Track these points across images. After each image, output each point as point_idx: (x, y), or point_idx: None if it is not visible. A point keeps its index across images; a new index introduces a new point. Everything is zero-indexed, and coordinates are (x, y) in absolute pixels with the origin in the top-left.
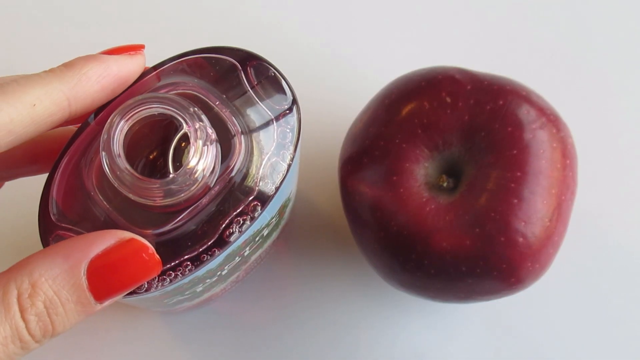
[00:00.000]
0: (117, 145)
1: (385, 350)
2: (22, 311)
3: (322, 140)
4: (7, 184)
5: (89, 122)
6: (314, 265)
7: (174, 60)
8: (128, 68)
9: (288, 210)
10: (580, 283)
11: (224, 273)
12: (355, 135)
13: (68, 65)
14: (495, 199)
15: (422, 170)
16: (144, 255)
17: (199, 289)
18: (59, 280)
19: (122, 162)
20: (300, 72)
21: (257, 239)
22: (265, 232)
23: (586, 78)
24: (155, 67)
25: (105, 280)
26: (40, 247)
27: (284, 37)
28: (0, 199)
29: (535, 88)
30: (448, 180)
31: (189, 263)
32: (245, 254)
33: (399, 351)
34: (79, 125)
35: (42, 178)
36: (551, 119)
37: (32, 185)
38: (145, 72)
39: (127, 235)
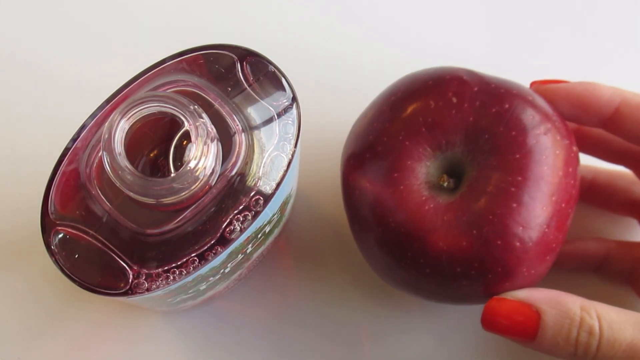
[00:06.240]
0: (118, 144)
1: (385, 350)
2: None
3: (322, 140)
4: (7, 184)
5: (86, 124)
6: (314, 265)
7: (173, 59)
8: None
9: (289, 207)
10: (581, 283)
11: (226, 271)
12: (360, 131)
13: None
14: (494, 201)
15: (423, 169)
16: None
17: (202, 287)
18: None
19: (123, 161)
20: (302, 73)
21: (259, 235)
22: (267, 229)
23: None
24: (154, 66)
25: None
26: (40, 243)
27: (284, 37)
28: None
29: None
30: (449, 180)
31: (193, 260)
32: (248, 251)
33: (399, 351)
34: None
35: (42, 178)
36: (556, 125)
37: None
38: (143, 72)
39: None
